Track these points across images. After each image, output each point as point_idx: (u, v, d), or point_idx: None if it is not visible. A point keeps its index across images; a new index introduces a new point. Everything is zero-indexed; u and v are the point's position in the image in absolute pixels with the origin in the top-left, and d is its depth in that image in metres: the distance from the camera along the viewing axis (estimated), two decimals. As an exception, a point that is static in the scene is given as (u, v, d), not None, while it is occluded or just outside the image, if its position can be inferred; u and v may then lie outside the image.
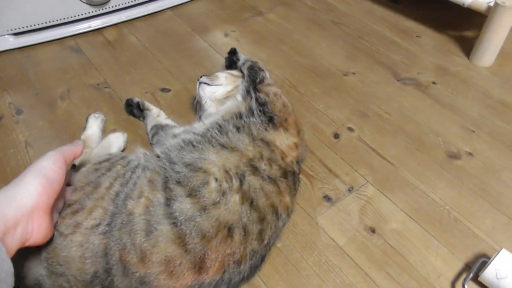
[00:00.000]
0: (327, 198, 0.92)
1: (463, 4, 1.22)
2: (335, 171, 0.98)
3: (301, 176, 0.95)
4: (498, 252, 0.75)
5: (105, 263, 0.64)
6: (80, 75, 1.23)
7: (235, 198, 0.72)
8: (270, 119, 0.86)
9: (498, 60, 1.27)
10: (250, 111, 0.88)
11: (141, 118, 1.08)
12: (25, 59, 1.30)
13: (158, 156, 0.82)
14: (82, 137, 0.99)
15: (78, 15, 1.36)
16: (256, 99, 0.89)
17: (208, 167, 0.76)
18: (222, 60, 1.29)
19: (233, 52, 1.13)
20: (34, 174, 0.61)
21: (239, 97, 0.93)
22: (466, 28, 1.42)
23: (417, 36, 1.41)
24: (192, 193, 0.71)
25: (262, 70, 0.97)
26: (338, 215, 0.89)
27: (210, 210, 0.69)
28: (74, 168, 0.90)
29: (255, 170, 0.77)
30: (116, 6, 1.42)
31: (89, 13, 1.38)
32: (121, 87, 1.19)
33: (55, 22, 1.34)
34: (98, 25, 1.41)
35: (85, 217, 0.68)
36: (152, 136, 0.99)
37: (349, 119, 1.11)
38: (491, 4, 1.17)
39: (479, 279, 0.76)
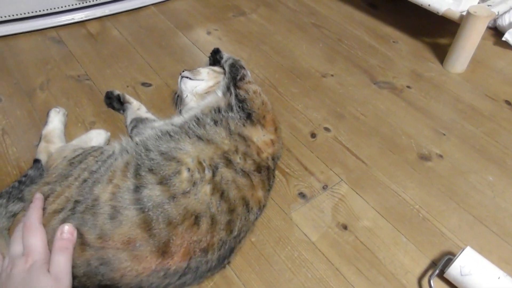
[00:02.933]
0: (301, 195, 0.94)
1: (438, 12, 1.27)
2: (311, 169, 1.00)
3: (277, 173, 0.97)
4: (463, 250, 0.78)
5: None
6: (60, 67, 1.23)
7: (206, 188, 0.74)
8: (249, 116, 0.88)
9: (470, 67, 1.32)
10: (229, 107, 0.90)
11: (121, 111, 1.08)
12: (5, 48, 1.29)
13: (136, 143, 0.84)
14: (44, 132, 0.98)
15: (62, 7, 1.36)
16: (236, 95, 0.91)
17: (183, 157, 0.77)
18: (203, 58, 1.31)
19: (216, 52, 1.14)
20: None
21: (219, 93, 0.95)
22: (440, 36, 1.47)
23: (394, 42, 1.45)
24: (163, 181, 0.73)
25: (244, 68, 0.99)
26: (311, 211, 0.91)
27: (179, 198, 0.71)
28: (37, 162, 0.90)
29: (228, 162, 0.79)
30: (100, -1, 1.42)
31: (72, 5, 1.37)
32: (102, 80, 1.19)
33: (38, 13, 1.33)
34: (81, 18, 1.41)
35: (51, 201, 0.72)
36: (132, 129, 1.00)
37: (326, 120, 1.13)
38: (464, 13, 1.21)
39: (445, 275, 0.79)
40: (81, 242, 0.66)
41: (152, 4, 1.53)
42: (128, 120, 1.03)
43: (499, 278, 0.74)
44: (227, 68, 1.00)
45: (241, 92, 0.92)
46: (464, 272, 0.75)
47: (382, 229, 0.89)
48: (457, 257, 0.77)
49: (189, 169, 0.75)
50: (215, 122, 0.85)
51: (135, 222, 0.68)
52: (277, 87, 1.23)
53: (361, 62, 1.35)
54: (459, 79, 1.30)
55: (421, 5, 1.31)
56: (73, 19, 1.40)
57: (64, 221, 0.68)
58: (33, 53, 1.28)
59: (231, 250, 0.77)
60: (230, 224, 0.75)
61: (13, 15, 1.31)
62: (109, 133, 1.00)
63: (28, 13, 1.32)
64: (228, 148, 0.81)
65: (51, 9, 1.35)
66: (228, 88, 0.94)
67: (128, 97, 1.08)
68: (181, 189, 0.72)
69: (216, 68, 1.05)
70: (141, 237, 0.67)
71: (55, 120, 1.01)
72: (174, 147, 0.79)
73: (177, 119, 0.91)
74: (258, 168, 0.83)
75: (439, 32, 1.48)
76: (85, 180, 0.75)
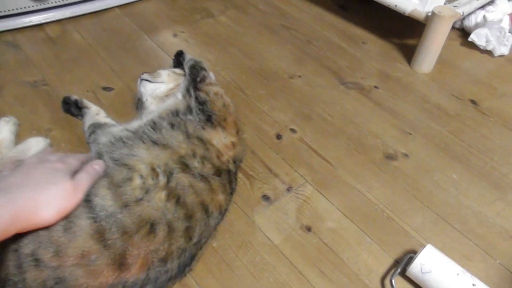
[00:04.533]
0: (265, 197, 0.93)
1: (404, 13, 1.27)
2: (276, 171, 0.98)
3: (241, 175, 0.95)
4: (424, 248, 0.78)
5: (17, 261, 0.61)
6: (16, 72, 1.18)
7: (160, 195, 0.71)
8: (209, 118, 0.86)
9: (436, 67, 1.33)
10: (188, 109, 0.87)
11: (79, 117, 1.05)
12: (-43, 53, 1.24)
13: (97, 152, 0.80)
14: None
15: (19, 9, 1.31)
16: (196, 97, 0.89)
17: (135, 163, 0.74)
18: (169, 61, 1.28)
19: (179, 54, 1.12)
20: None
21: (179, 95, 0.92)
22: (408, 36, 1.48)
23: (363, 43, 1.45)
24: (113, 188, 0.70)
25: (204, 69, 0.97)
26: (275, 214, 0.89)
27: (132, 207, 0.68)
28: None
29: (185, 167, 0.76)
30: (60, 1, 1.37)
31: (30, 7, 1.32)
32: (61, 85, 1.16)
33: (-7, 16, 1.29)
34: (39, 21, 1.36)
35: None
36: (89, 135, 0.96)
37: (292, 121, 1.12)
38: (430, 14, 1.22)
39: (406, 274, 0.78)
40: (37, 265, 0.62)
41: (117, 6, 1.49)
42: (86, 125, 1.00)
43: (458, 274, 0.73)
44: (187, 70, 0.97)
45: (202, 94, 0.89)
46: (425, 270, 0.75)
47: (347, 230, 0.88)
48: (418, 255, 0.76)
49: (141, 176, 0.72)
50: (172, 126, 0.83)
51: (88, 233, 0.64)
52: (244, 89, 1.21)
53: (330, 63, 1.35)
54: (426, 79, 1.30)
55: (388, 5, 1.32)
56: (30, 22, 1.34)
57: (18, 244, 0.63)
58: (-13, 58, 1.24)
59: (192, 257, 0.74)
60: (189, 231, 0.72)
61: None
62: (48, 140, 0.95)
63: (-17, 15, 1.27)
64: (185, 152, 0.78)
65: (6, 11, 1.29)
66: (188, 90, 0.92)
67: (86, 102, 1.05)
68: (133, 197, 0.69)
69: (177, 70, 1.03)
70: (96, 249, 0.63)
71: (4, 130, 0.96)
72: (127, 153, 0.76)
73: (133, 124, 0.87)
74: (218, 172, 0.80)
75: (407, 33, 1.49)
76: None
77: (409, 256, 0.80)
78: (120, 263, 0.64)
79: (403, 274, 0.79)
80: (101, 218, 0.66)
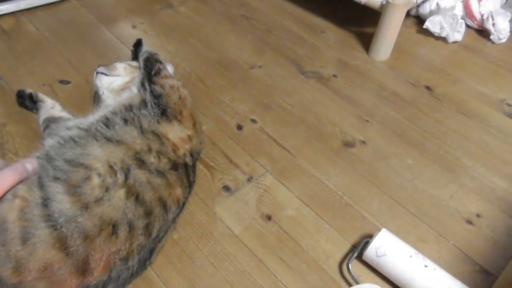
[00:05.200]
0: (226, 188, 0.93)
1: (360, 2, 1.29)
2: (236, 162, 0.99)
3: (201, 167, 0.96)
4: (378, 232, 0.80)
5: None
6: (-33, 67, 1.15)
7: (120, 193, 0.70)
8: (163, 112, 0.85)
9: (393, 55, 1.36)
10: (143, 103, 0.86)
11: (35, 111, 1.02)
12: None
13: (37, 157, 0.76)
14: None
15: (-32, 2, 1.26)
16: (151, 91, 0.88)
17: (91, 162, 0.72)
18: (128, 52, 1.26)
19: (138, 44, 1.10)
20: None
21: (134, 89, 0.91)
22: (365, 25, 1.50)
23: (322, 32, 1.47)
24: (71, 190, 0.67)
25: (159, 61, 0.96)
26: (236, 204, 0.91)
27: (92, 208, 0.67)
28: None
29: (141, 163, 0.75)
30: (13, -7, 1.33)
31: (-20, 0, 1.28)
32: (15, 78, 1.12)
33: None
34: (-8, 13, 1.32)
35: None
36: (44, 129, 0.94)
37: (253, 111, 1.13)
38: (384, 2, 1.24)
39: (363, 258, 0.81)
40: None
41: (73, -2, 1.46)
42: (41, 120, 0.97)
43: (411, 256, 0.76)
44: (141, 63, 0.96)
45: (157, 88, 0.88)
46: (380, 253, 0.78)
47: (306, 217, 0.90)
48: (373, 239, 0.79)
49: (99, 174, 0.71)
50: (125, 121, 0.81)
51: (49, 242, 0.62)
52: (204, 80, 1.21)
53: (290, 52, 1.36)
54: (383, 66, 1.33)
55: (345, -6, 1.33)
56: (-16, 15, 1.31)
57: None
58: None
59: (151, 251, 0.74)
60: (148, 228, 0.72)
61: None
62: None
63: None
64: (140, 148, 0.77)
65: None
66: (142, 84, 0.90)
67: (41, 96, 1.02)
68: (93, 197, 0.68)
69: (133, 63, 1.01)
70: (58, 259, 0.61)
71: None
72: (80, 153, 0.74)
73: (85, 121, 0.85)
74: (175, 166, 0.80)
75: (365, 21, 1.52)
76: None
77: (365, 240, 0.82)
78: (83, 269, 0.63)
79: (360, 258, 0.82)
80: (61, 224, 0.64)
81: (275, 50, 1.36)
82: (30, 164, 0.69)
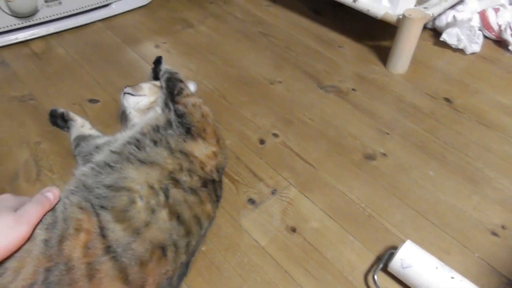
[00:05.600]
0: (251, 201, 0.96)
1: (377, 17, 1.32)
2: (260, 175, 1.02)
3: (226, 181, 0.99)
4: (403, 244, 0.81)
5: None
6: (3, 88, 1.21)
7: (163, 214, 0.71)
8: (188, 130, 0.87)
9: (410, 67, 1.38)
10: (168, 123, 0.89)
11: (66, 129, 1.07)
12: None
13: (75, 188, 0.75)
14: None
15: (4, 27, 1.33)
16: (175, 111, 0.91)
17: (131, 185, 0.73)
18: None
19: (157, 62, 1.14)
20: None
21: (158, 110, 0.94)
22: (382, 39, 1.53)
23: (339, 46, 1.49)
24: (120, 216, 0.68)
25: (181, 81, 1.00)
26: (261, 217, 0.93)
27: (143, 232, 0.67)
28: None
29: (176, 182, 0.77)
30: (44, 18, 1.39)
31: (15, 25, 1.34)
32: (47, 99, 1.18)
33: (-22, 34, 1.31)
34: (25, 37, 1.38)
35: (11, 279, 0.57)
36: (75, 147, 0.99)
37: (274, 126, 1.16)
38: (401, 17, 1.27)
39: (388, 269, 0.82)
40: None
41: (99, 20, 1.52)
42: (72, 138, 1.02)
43: (436, 268, 0.77)
44: (163, 83, 0.99)
45: (180, 107, 0.91)
46: (405, 265, 0.79)
47: (330, 229, 0.91)
48: (398, 251, 0.80)
49: (141, 197, 0.72)
50: (155, 143, 0.83)
51: (113, 275, 0.62)
52: (225, 96, 1.25)
53: (308, 67, 1.39)
54: (401, 79, 1.35)
55: (361, 10, 1.36)
56: (16, 39, 1.37)
57: None
58: (-26, 75, 1.25)
59: (187, 266, 0.76)
60: (188, 246, 0.74)
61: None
62: None
63: (-32, 34, 1.29)
64: (172, 167, 0.79)
65: (-8, 29, 1.32)
66: (166, 104, 0.93)
67: (72, 115, 1.07)
68: (141, 221, 0.68)
69: (157, 83, 1.05)
70: None
71: None
72: (118, 177, 0.74)
73: (113, 141, 0.88)
74: (204, 183, 0.82)
75: (381, 35, 1.54)
76: (46, 241, 0.61)
77: (390, 252, 0.83)
78: None
79: (384, 269, 0.83)
80: (120, 254, 0.64)
81: (294, 65, 1.39)
82: (50, 193, 0.67)
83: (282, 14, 1.66)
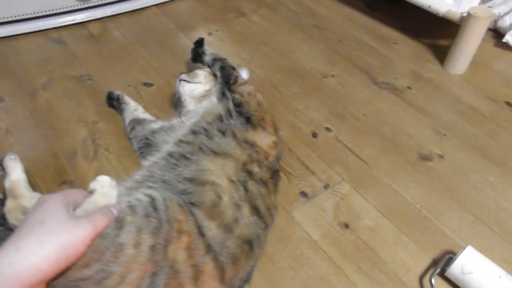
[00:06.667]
0: (303, 194, 0.95)
1: (438, 13, 1.28)
2: (312, 169, 1.00)
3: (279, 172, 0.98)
4: (464, 249, 0.79)
5: None
6: (62, 67, 1.24)
7: (246, 209, 0.71)
8: (248, 120, 0.87)
9: (470, 68, 1.33)
10: (229, 113, 0.88)
11: (118, 111, 1.09)
12: (7, 49, 1.29)
13: (163, 181, 0.73)
14: (7, 185, 0.79)
15: (64, 8, 1.36)
16: (232, 100, 0.90)
17: (212, 178, 0.72)
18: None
19: (199, 43, 1.10)
20: (54, 242, 0.53)
21: (214, 99, 0.94)
22: (440, 37, 1.47)
23: (394, 43, 1.45)
24: (211, 212, 0.67)
25: (234, 68, 0.98)
26: (313, 210, 0.92)
27: (234, 229, 0.67)
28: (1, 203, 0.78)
29: (250, 175, 0.77)
30: (101, 0, 1.42)
31: (74, 6, 1.38)
32: (104, 80, 1.20)
33: (40, 14, 1.34)
34: (82, 19, 1.41)
35: (116, 283, 0.56)
36: (130, 131, 1.00)
37: (327, 120, 1.14)
38: (465, 14, 1.22)
39: (446, 274, 0.79)
40: None
41: (154, 5, 1.53)
42: (127, 121, 1.03)
43: (500, 277, 0.74)
44: (218, 72, 0.98)
45: (236, 96, 0.90)
46: (466, 271, 0.76)
47: (384, 228, 0.89)
48: (459, 255, 0.77)
49: (224, 191, 0.71)
50: (223, 133, 0.83)
51: (215, 275, 0.62)
52: (278, 87, 1.24)
53: (362, 63, 1.36)
54: (459, 80, 1.30)
55: (422, 6, 1.32)
56: (74, 20, 1.40)
57: None
58: (35, 53, 1.29)
59: None
60: (266, 238, 0.76)
61: (15, 16, 1.31)
62: (113, 182, 0.70)
63: (30, 14, 1.33)
64: (244, 158, 0.79)
65: (52, 10, 1.35)
66: (223, 94, 0.92)
67: (126, 98, 1.08)
68: (230, 217, 0.68)
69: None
70: None
71: (17, 169, 0.82)
72: (196, 169, 0.73)
73: (180, 129, 0.87)
74: (271, 174, 0.82)
75: (439, 33, 1.49)
76: (153, 246, 0.60)
77: (448, 256, 0.81)
78: None
79: (441, 274, 0.80)
80: (218, 253, 0.64)
81: (347, 60, 1.37)
82: (115, 209, 0.64)
83: (335, 7, 1.63)
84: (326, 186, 0.97)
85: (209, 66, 1.04)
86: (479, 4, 1.28)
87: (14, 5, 1.29)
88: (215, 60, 1.02)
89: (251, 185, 0.75)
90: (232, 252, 0.65)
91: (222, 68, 0.98)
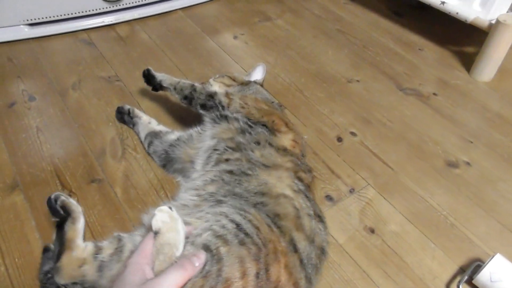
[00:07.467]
0: (329, 197, 0.95)
1: (466, 21, 1.27)
2: (337, 173, 1.01)
3: (304, 175, 0.98)
4: (493, 256, 0.78)
5: None
6: (91, 67, 1.26)
7: (315, 217, 0.73)
8: (263, 125, 0.86)
9: (497, 76, 1.31)
10: (248, 126, 0.86)
11: (130, 125, 1.07)
12: (39, 49, 1.33)
13: (237, 196, 0.72)
14: (68, 234, 0.72)
15: (93, 10, 1.40)
16: (238, 120, 0.88)
17: (279, 191, 0.72)
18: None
19: (147, 76, 1.05)
20: None
21: (224, 125, 0.89)
22: (467, 44, 1.46)
23: (419, 49, 1.45)
24: (297, 224, 0.68)
25: (211, 95, 0.91)
26: (339, 214, 0.92)
27: (315, 240, 0.69)
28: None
29: (302, 181, 0.78)
30: (129, 3, 1.46)
31: (103, 8, 1.41)
32: (132, 81, 1.22)
33: (70, 16, 1.38)
34: (111, 21, 1.45)
35: None
36: (148, 145, 0.99)
37: (352, 124, 1.14)
38: (493, 22, 1.21)
39: (473, 281, 0.79)
40: None
41: (180, 9, 1.56)
42: (142, 135, 1.02)
43: (530, 285, 0.73)
44: (200, 111, 0.92)
45: (237, 115, 0.88)
46: (494, 279, 0.75)
47: (410, 234, 0.89)
48: (487, 263, 0.77)
49: (295, 202, 0.72)
50: (258, 143, 0.82)
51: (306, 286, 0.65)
52: (303, 91, 1.24)
53: (387, 68, 1.35)
54: (486, 87, 1.29)
55: (449, 13, 1.31)
56: (103, 22, 1.44)
57: None
58: (65, 54, 1.32)
59: None
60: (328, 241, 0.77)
61: (46, 17, 1.35)
62: (174, 211, 0.63)
63: (61, 15, 1.36)
64: (291, 166, 0.79)
65: (82, 12, 1.39)
66: (228, 121, 0.88)
67: (137, 111, 1.06)
68: (310, 229, 0.69)
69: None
70: None
71: (81, 215, 0.78)
72: (258, 184, 0.73)
73: (220, 145, 0.83)
74: (312, 176, 0.84)
75: (465, 40, 1.48)
76: (257, 273, 0.58)
77: (476, 264, 0.80)
78: None
79: (469, 281, 0.80)
80: (306, 265, 0.66)
81: (372, 65, 1.37)
82: (196, 258, 0.58)
83: (360, 12, 1.63)
84: (352, 191, 0.97)
85: (183, 100, 0.96)
86: (508, 11, 1.27)
87: (46, 6, 1.33)
88: (191, 98, 0.93)
89: (308, 191, 0.76)
90: (314, 263, 0.67)
91: (203, 106, 0.91)
